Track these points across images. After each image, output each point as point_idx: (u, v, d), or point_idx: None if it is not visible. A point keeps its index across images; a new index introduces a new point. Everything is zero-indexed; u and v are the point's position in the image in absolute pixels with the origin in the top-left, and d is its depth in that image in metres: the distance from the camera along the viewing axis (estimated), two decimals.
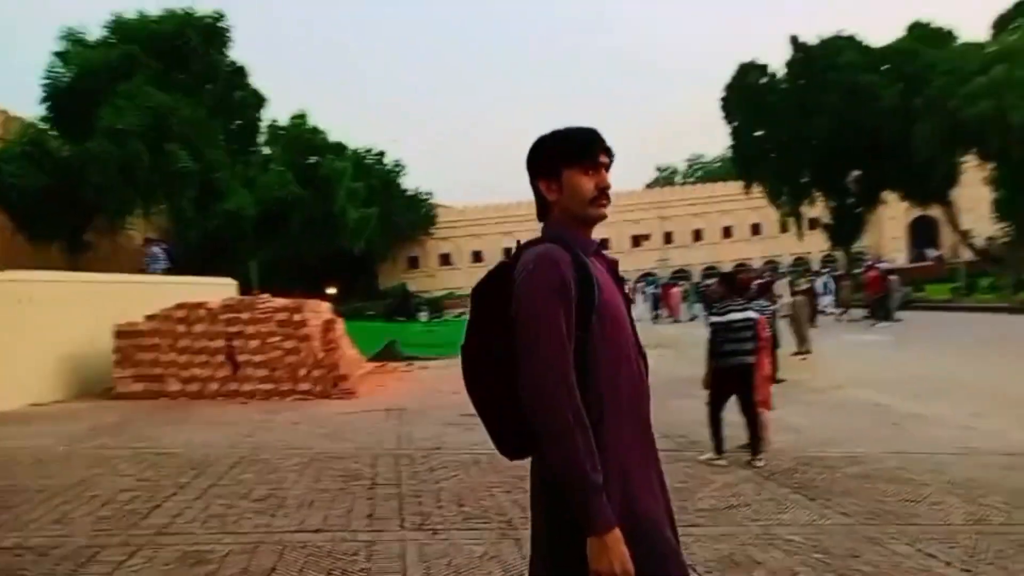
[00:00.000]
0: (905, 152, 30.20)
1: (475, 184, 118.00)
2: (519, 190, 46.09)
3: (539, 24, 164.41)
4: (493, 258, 44.07)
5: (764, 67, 35.96)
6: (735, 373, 6.15)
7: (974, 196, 36.94)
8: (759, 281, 13.78)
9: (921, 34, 35.00)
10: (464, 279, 49.41)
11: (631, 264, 55.63)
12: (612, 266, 1.82)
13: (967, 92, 26.37)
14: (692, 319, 27.11)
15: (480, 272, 1.91)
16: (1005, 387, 9.86)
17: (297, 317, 10.86)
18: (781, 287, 18.91)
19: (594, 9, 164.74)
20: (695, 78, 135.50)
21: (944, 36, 35.16)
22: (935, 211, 40.37)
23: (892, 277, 23.02)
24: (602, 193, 1.73)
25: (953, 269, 36.28)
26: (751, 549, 4.01)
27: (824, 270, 35.23)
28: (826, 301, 24.98)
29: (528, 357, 1.57)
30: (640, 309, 31.28)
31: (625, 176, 72.43)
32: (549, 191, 1.75)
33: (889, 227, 52.12)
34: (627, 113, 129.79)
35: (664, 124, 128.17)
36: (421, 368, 14.73)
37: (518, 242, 1.75)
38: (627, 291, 1.92)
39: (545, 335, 1.56)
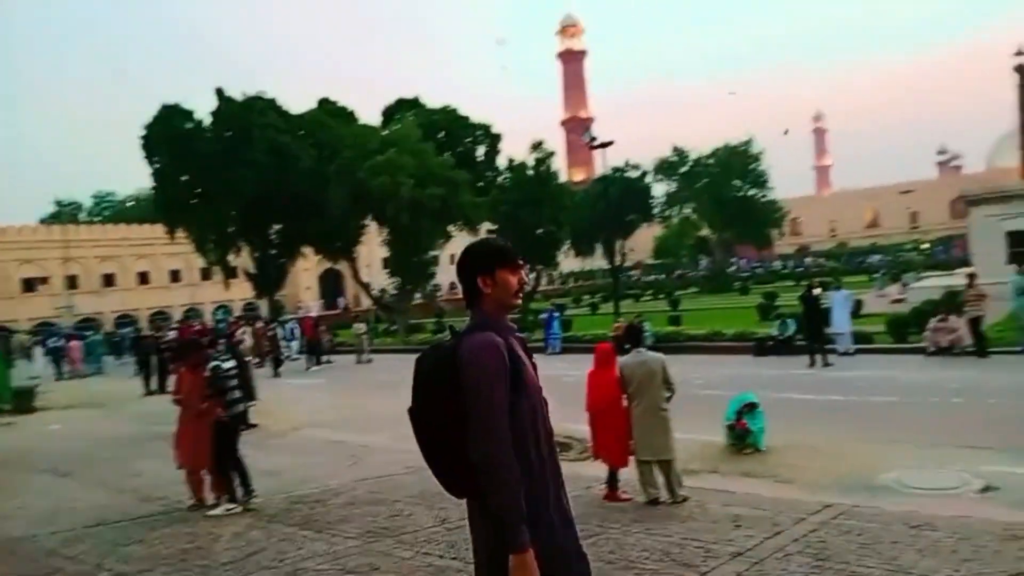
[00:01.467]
0: (320, 211, 33.85)
1: None
2: None
3: None
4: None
5: (190, 112, 35.66)
6: (238, 419, 6.31)
7: (372, 253, 43.85)
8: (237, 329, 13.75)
9: (329, 109, 39.94)
10: None
11: (23, 313, 47.15)
12: (523, 342, 2.35)
13: (369, 166, 31.32)
14: (96, 372, 24.91)
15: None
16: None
17: None
18: (245, 334, 19.07)
19: None
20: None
21: (348, 115, 40.83)
22: (342, 265, 46.11)
23: (321, 327, 25.39)
24: (521, 287, 2.35)
25: (357, 315, 42.04)
26: None
27: (290, 316, 36.44)
28: (294, 346, 25.46)
29: (480, 423, 2.12)
30: (39, 366, 27.07)
31: (12, 208, 61.20)
32: (485, 285, 2.29)
33: (303, 278, 57.06)
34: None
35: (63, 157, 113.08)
36: None
37: (451, 327, 2.18)
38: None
39: (491, 407, 2.12)
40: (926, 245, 66.66)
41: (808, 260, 66.47)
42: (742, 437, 8.25)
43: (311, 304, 53.61)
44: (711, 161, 52.39)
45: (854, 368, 13.90)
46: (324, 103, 40.58)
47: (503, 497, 2.13)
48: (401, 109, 41.55)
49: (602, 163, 43.46)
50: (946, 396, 10.72)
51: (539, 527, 2.17)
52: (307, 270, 54.95)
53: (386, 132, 36.58)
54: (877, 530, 5.28)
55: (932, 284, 28.63)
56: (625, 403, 6.46)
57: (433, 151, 32.91)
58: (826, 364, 14.09)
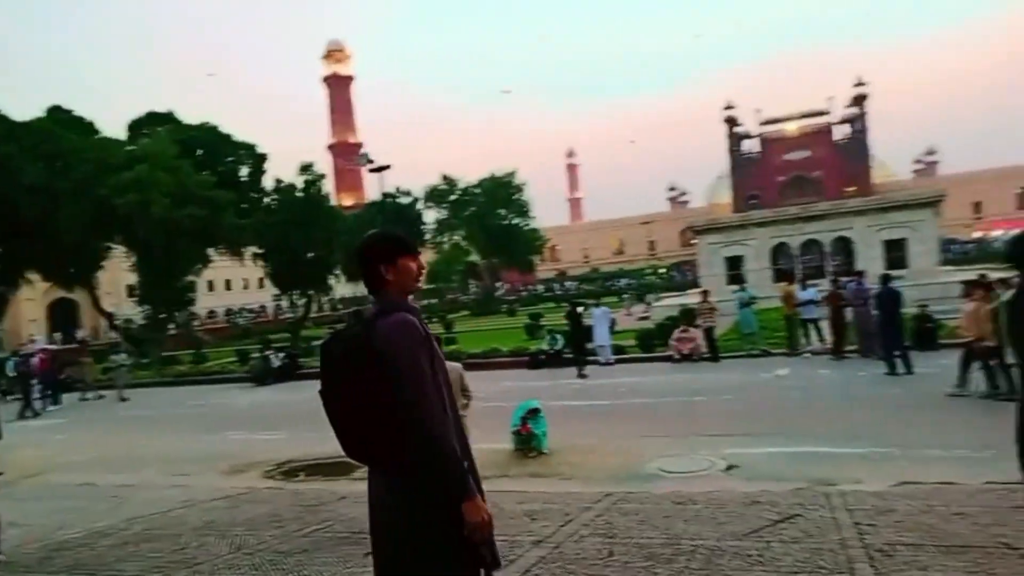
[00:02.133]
0: (50, 233, 29.73)
1: None
2: None
3: None
4: None
5: None
6: None
7: (117, 280, 39.27)
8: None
9: (61, 119, 35.42)
10: None
11: None
12: (423, 323, 2.50)
13: (115, 183, 28.26)
14: None
15: None
16: (184, 452, 11.29)
17: None
18: None
19: None
20: None
21: (86, 126, 36.52)
22: (78, 293, 40.77)
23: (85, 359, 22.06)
24: (420, 272, 2.54)
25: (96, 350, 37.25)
26: None
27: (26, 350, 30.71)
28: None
29: (411, 389, 2.28)
30: None
31: None
32: (388, 273, 2.46)
33: (27, 308, 49.36)
34: None
35: None
36: None
37: (356, 311, 2.01)
38: None
39: (421, 375, 2.30)
40: (663, 269, 75.25)
41: (567, 283, 71.96)
42: (527, 441, 8.79)
43: (38, 337, 46.54)
44: (478, 191, 54.65)
45: (615, 376, 15.37)
46: (56, 111, 35.91)
47: (444, 452, 2.29)
48: (152, 123, 38.14)
49: (374, 188, 43.49)
50: (690, 395, 12.30)
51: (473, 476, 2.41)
52: (31, 299, 47.71)
53: (133, 147, 33.29)
54: (650, 509, 5.96)
55: (670, 303, 32.52)
56: None
57: (192, 169, 30.61)
58: (582, 375, 15.29)
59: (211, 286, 65.06)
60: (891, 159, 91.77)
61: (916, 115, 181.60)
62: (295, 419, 14.26)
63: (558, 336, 17.82)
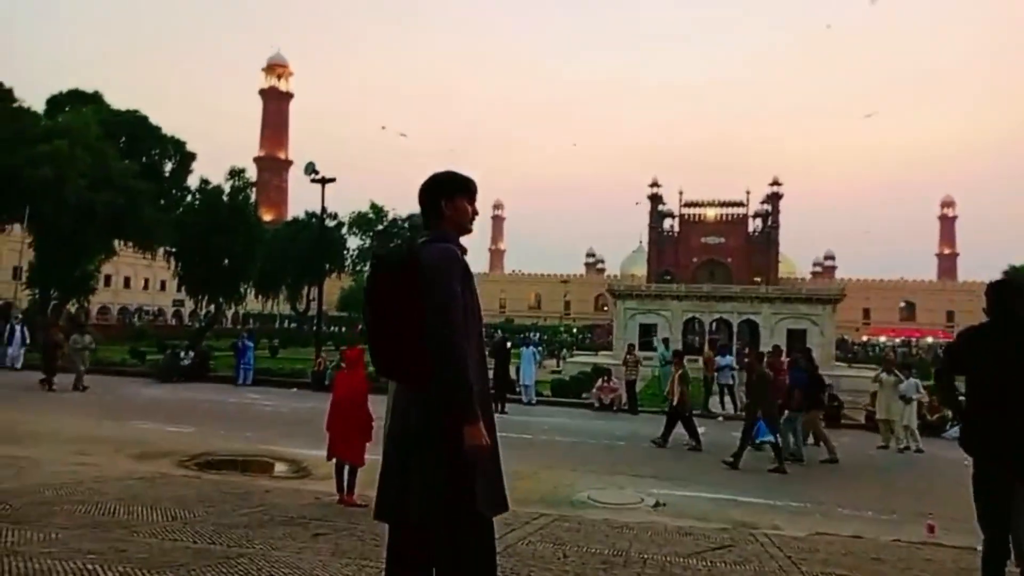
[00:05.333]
0: None
1: None
2: None
3: None
4: None
5: None
6: None
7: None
8: None
9: None
10: None
11: None
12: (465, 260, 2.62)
13: (29, 155, 26.52)
14: None
15: None
16: (84, 435, 10.60)
17: None
18: None
19: None
20: None
21: (4, 92, 34.40)
22: None
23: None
24: (474, 215, 2.73)
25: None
26: None
27: None
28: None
29: (439, 312, 2.41)
30: None
31: None
32: (446, 207, 2.64)
33: None
34: None
35: None
36: None
37: (412, 240, 2.03)
38: None
39: (452, 299, 2.43)
40: (575, 329, 76.58)
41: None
42: None
43: None
44: (406, 225, 54.50)
45: (536, 415, 15.49)
46: None
47: (457, 374, 2.37)
48: (74, 102, 36.32)
49: (297, 206, 42.65)
50: (613, 440, 12.57)
51: (482, 402, 2.49)
52: None
53: (50, 123, 31.46)
54: (589, 528, 6.06)
55: (582, 360, 33.19)
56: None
57: (116, 154, 29.23)
58: (502, 412, 15.28)
59: (108, 281, 61.36)
60: (794, 257, 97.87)
61: (819, 216, 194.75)
62: (204, 415, 13.63)
63: None
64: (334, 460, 6.69)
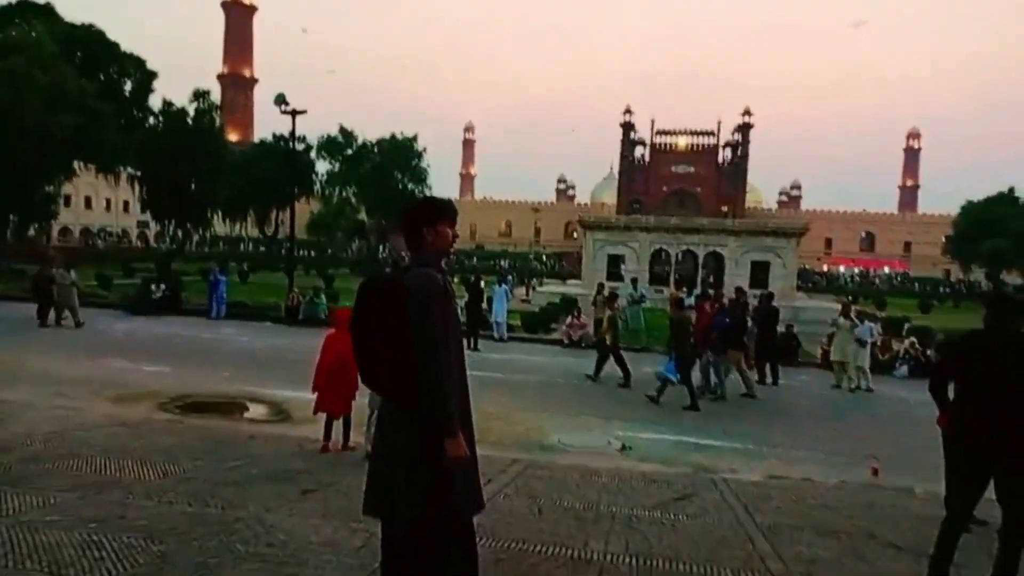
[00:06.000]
0: None
1: None
2: None
3: None
4: None
5: None
6: None
7: None
8: None
9: None
10: None
11: None
12: (447, 281, 2.84)
13: None
14: None
15: None
16: (60, 375, 10.69)
17: None
18: None
19: None
20: None
21: None
22: None
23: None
24: (454, 238, 2.93)
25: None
26: None
27: None
28: None
29: (422, 335, 2.64)
30: None
31: None
32: (428, 234, 2.82)
33: None
34: None
35: None
36: None
37: (395, 262, 2.08)
38: None
39: (432, 324, 2.65)
40: (546, 257, 77.01)
41: (452, 257, 71.87)
42: None
43: None
44: (375, 150, 53.55)
45: (508, 352, 15.88)
46: None
47: (438, 393, 2.63)
48: (24, 13, 34.37)
49: (264, 127, 41.54)
50: (582, 380, 12.98)
51: (462, 412, 2.80)
52: None
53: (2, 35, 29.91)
54: (561, 477, 6.43)
55: (552, 290, 33.65)
56: None
57: (73, 72, 28.00)
58: (475, 348, 15.60)
59: (68, 201, 59.63)
60: (762, 186, 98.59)
61: (788, 144, 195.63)
62: (179, 354, 13.72)
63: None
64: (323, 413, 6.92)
